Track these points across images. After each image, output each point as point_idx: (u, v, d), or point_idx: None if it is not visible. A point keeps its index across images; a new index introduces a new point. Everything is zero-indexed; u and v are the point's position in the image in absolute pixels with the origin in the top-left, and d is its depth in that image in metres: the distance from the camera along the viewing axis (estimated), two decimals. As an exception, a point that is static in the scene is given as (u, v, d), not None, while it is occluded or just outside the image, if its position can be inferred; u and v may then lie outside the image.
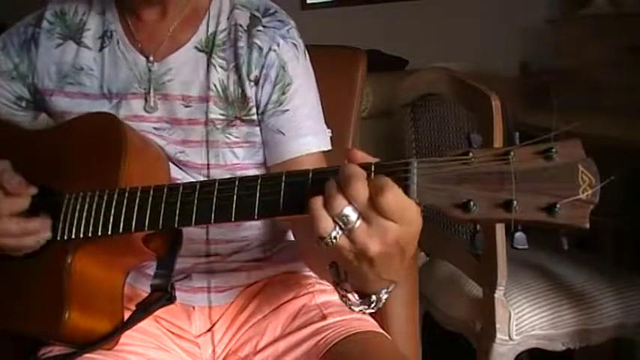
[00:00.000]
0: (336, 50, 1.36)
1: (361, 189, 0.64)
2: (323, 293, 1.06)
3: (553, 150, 0.63)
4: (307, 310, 1.03)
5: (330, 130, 1.07)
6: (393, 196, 0.63)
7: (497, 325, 1.44)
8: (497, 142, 1.28)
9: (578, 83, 2.49)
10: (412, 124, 1.70)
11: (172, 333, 1.05)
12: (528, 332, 1.46)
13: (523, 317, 1.45)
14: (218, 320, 1.06)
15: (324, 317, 1.00)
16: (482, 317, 1.49)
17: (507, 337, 1.45)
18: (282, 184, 0.73)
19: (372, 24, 3.59)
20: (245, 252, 1.08)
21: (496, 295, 1.43)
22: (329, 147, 1.05)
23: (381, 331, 1.02)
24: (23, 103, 1.10)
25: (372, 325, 1.02)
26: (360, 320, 1.01)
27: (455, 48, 3.22)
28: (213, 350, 1.05)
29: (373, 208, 0.64)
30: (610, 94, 2.37)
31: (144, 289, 1.00)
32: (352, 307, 0.76)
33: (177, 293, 0.93)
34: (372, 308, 0.76)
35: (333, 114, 1.08)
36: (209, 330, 1.05)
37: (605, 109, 2.26)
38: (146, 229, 0.82)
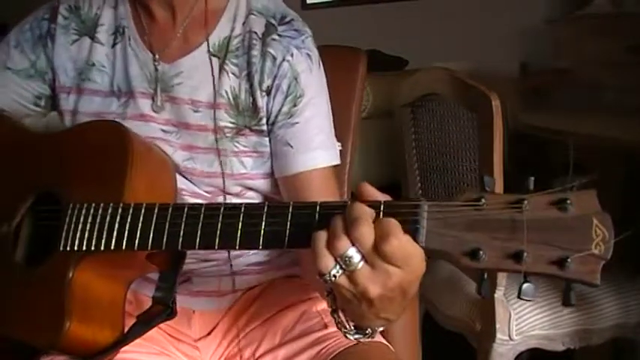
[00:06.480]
0: (336, 50, 1.36)
1: (367, 233, 0.63)
2: (324, 300, 1.05)
3: (568, 201, 0.61)
4: (308, 317, 1.02)
5: (340, 144, 1.04)
6: (398, 243, 0.62)
7: (497, 325, 1.44)
8: (497, 141, 1.28)
9: (578, 83, 2.49)
10: (412, 124, 1.70)
11: (172, 337, 1.04)
12: (528, 332, 1.46)
13: (523, 317, 1.45)
14: (218, 324, 1.05)
15: (325, 326, 0.99)
16: (482, 317, 1.49)
17: (507, 337, 1.45)
18: (289, 215, 0.71)
19: (372, 24, 3.59)
20: (246, 256, 1.06)
21: (496, 295, 1.43)
22: (338, 162, 1.02)
23: (384, 341, 1.00)
24: (42, 102, 1.06)
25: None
26: None
27: (455, 48, 3.23)
28: (213, 354, 1.04)
29: (377, 253, 0.63)
30: (610, 94, 2.37)
31: (146, 294, 0.99)
32: (347, 335, 0.75)
33: (177, 297, 0.91)
34: (367, 338, 0.75)
35: (333, 114, 1.07)
36: (209, 334, 1.05)
37: (605, 109, 2.25)
38: (149, 248, 0.81)
